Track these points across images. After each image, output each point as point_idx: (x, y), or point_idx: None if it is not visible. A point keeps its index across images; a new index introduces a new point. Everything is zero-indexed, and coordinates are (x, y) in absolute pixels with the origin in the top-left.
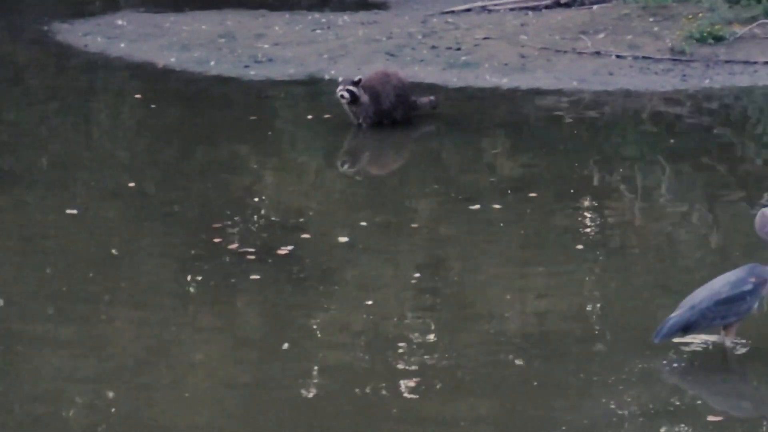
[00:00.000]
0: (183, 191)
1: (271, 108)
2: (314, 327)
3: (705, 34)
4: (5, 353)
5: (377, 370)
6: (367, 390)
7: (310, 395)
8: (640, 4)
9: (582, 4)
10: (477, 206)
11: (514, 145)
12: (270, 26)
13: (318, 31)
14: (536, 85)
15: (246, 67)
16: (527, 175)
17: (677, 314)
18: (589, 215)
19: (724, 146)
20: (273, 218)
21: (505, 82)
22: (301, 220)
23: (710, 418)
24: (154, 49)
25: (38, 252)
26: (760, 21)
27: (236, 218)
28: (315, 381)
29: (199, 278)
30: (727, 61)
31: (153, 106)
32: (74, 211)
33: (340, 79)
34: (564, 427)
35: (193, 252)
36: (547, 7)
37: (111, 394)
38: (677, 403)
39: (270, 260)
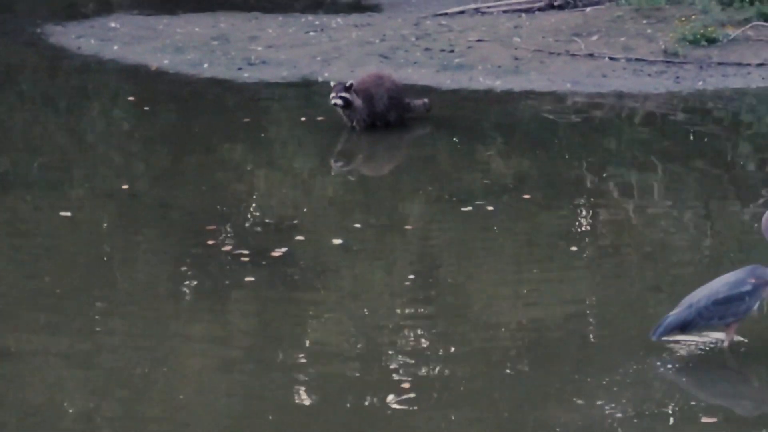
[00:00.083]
0: (177, 193)
1: (264, 110)
2: (308, 329)
3: (698, 36)
4: None
5: (370, 375)
6: (360, 397)
7: (303, 401)
8: (633, 6)
9: (575, 6)
10: (470, 208)
11: (507, 147)
12: (263, 29)
13: (311, 34)
14: (530, 87)
15: (239, 69)
16: (521, 177)
17: (675, 312)
18: (582, 217)
19: (717, 148)
20: (267, 220)
21: (498, 84)
22: (295, 222)
23: (704, 419)
24: (148, 52)
25: (32, 252)
26: (753, 23)
27: (230, 220)
28: (307, 387)
29: (193, 280)
30: (720, 63)
31: (146, 108)
32: (68, 213)
33: (333, 84)
34: (558, 429)
35: (187, 254)
36: (540, 9)
37: (104, 400)
38: (672, 404)
39: (264, 262)
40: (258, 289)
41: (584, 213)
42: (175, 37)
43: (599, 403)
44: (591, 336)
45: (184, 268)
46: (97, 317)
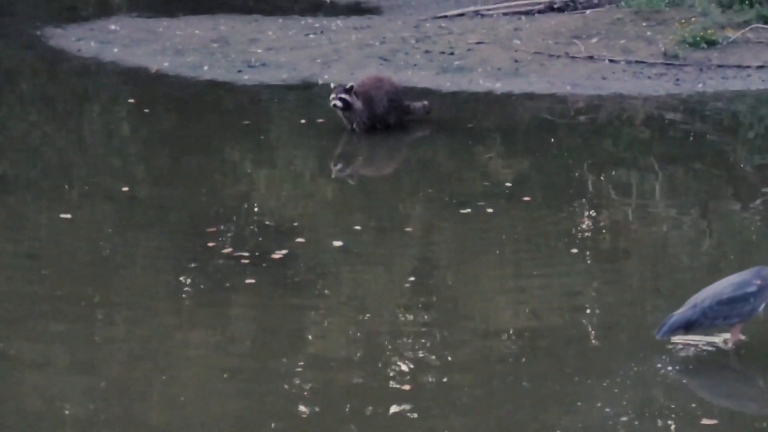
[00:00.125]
0: (177, 195)
1: (264, 113)
2: (308, 333)
3: (698, 39)
4: None
5: (371, 380)
6: (360, 402)
7: (303, 407)
8: (633, 8)
9: (575, 8)
10: (470, 210)
11: (507, 149)
12: (263, 31)
13: (311, 36)
14: (529, 90)
15: (239, 71)
16: (520, 180)
17: (680, 312)
18: (582, 219)
19: (717, 150)
20: (267, 222)
21: (498, 86)
22: (296, 224)
23: (704, 421)
24: (148, 54)
25: (32, 255)
26: (753, 25)
27: (230, 222)
28: (307, 392)
29: (194, 282)
30: (719, 66)
31: (146, 110)
32: (68, 215)
33: (333, 86)
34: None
35: (187, 256)
36: (540, 11)
37: (103, 402)
38: (672, 406)
39: (264, 264)
40: (259, 291)
41: (584, 215)
42: (175, 40)
43: (600, 405)
44: (591, 338)
45: (184, 270)
46: (96, 321)
